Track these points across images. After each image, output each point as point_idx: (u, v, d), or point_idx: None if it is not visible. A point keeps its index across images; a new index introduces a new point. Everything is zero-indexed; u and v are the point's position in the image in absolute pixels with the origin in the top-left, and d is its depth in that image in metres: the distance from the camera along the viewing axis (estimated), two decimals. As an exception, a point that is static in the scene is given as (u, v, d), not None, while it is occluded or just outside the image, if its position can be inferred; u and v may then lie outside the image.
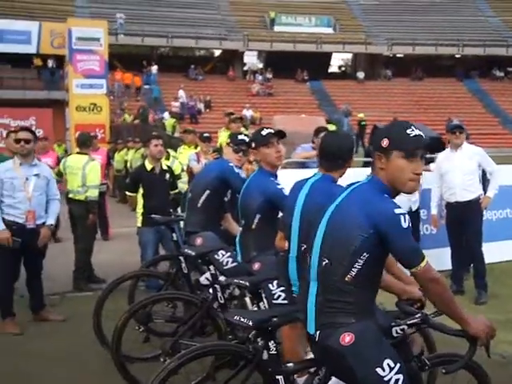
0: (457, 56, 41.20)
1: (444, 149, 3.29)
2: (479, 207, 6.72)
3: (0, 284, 5.72)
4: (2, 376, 4.61)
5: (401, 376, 2.48)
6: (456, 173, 6.68)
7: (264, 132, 4.23)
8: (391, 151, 2.56)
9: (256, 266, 4.04)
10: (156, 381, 2.86)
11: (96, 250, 7.57)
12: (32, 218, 5.62)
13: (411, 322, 2.66)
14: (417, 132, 2.57)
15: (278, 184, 4.12)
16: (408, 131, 2.57)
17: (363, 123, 26.91)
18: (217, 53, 42.19)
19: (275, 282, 3.84)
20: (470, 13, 42.99)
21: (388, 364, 2.46)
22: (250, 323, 2.75)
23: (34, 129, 9.33)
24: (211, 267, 4.48)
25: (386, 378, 2.45)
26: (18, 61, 28.73)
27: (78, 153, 7.60)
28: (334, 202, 2.64)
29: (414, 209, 7.19)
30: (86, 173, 7.22)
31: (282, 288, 3.81)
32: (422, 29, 40.13)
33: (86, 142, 7.56)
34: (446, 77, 39.03)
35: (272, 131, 4.26)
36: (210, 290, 4.40)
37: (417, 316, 2.67)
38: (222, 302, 4.33)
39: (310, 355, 3.05)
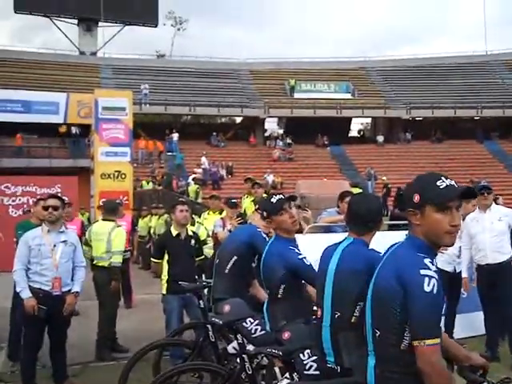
0: (476, 118, 41.37)
1: (475, 195, 3.21)
2: (511, 269, 6.53)
3: (23, 355, 5.63)
4: None
5: None
6: (486, 234, 6.54)
7: (274, 199, 4.14)
8: (424, 206, 2.45)
9: (286, 335, 3.89)
10: None
11: (119, 317, 7.44)
12: (58, 286, 5.58)
13: None
14: (447, 182, 2.45)
15: (299, 253, 4.01)
16: (438, 183, 2.45)
17: (389, 186, 26.81)
18: (238, 120, 42.90)
19: (306, 352, 3.68)
20: (488, 75, 43.45)
21: None
22: None
23: (59, 196, 9.42)
24: (239, 336, 4.33)
25: None
26: (44, 130, 29.56)
27: (103, 219, 7.61)
28: (377, 269, 2.54)
29: (458, 270, 6.94)
30: (112, 239, 7.22)
31: (314, 358, 3.65)
32: (440, 92, 40.54)
33: (113, 210, 7.60)
34: (466, 139, 38.99)
35: (282, 197, 4.18)
36: (238, 360, 4.25)
37: None
38: (250, 372, 4.15)
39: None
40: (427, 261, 2.36)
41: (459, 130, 40.10)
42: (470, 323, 7.18)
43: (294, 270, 3.92)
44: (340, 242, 3.46)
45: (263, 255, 4.21)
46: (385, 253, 2.61)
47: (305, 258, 3.96)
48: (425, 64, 44.30)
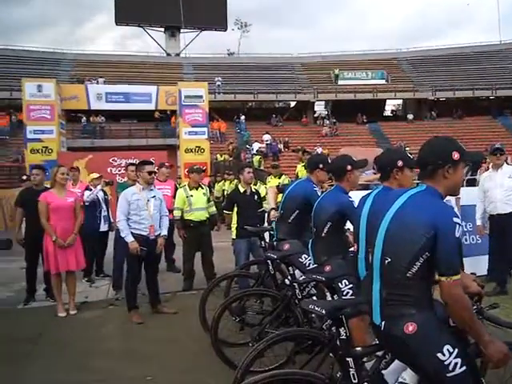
0: (491, 98, 39.20)
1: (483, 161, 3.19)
2: (518, 219, 6.22)
3: (128, 284, 5.84)
4: (129, 354, 4.68)
5: (459, 360, 2.19)
6: (497, 189, 6.25)
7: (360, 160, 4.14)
8: (459, 163, 2.35)
9: (327, 268, 3.83)
10: (247, 360, 2.75)
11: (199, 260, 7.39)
12: (153, 231, 5.74)
13: None
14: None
15: (350, 197, 3.90)
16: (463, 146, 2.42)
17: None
18: (292, 104, 42.29)
19: (344, 281, 3.62)
20: (501, 61, 41.02)
21: (447, 349, 2.19)
22: (323, 311, 2.56)
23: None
24: (290, 268, 4.32)
25: (446, 362, 2.18)
26: (141, 116, 30.10)
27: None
28: (393, 207, 2.40)
29: None
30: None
31: (350, 286, 3.60)
32: (461, 76, 38.63)
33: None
34: (483, 115, 37.19)
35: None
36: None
37: (473, 308, 2.42)
38: (300, 297, 4.13)
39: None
40: (455, 210, 2.27)
41: (477, 107, 38.20)
42: (479, 264, 6.79)
43: (343, 209, 3.80)
44: (372, 191, 3.37)
45: (320, 198, 4.09)
46: (398, 195, 2.46)
47: (354, 201, 3.82)
48: (447, 53, 42.23)
